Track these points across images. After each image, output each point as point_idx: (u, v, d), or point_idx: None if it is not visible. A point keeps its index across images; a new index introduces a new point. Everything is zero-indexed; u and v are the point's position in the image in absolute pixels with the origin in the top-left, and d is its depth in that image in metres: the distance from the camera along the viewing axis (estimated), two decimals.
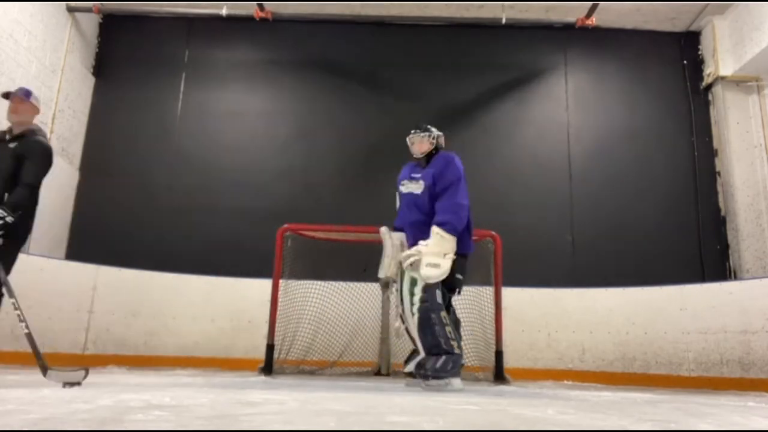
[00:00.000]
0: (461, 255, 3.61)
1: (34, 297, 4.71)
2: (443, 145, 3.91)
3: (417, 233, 3.60)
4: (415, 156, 3.85)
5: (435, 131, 3.86)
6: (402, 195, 3.83)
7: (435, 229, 3.47)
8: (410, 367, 3.50)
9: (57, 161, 6.09)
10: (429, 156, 3.82)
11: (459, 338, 3.62)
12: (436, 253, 3.42)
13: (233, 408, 1.82)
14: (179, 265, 5.61)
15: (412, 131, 3.86)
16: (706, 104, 6.64)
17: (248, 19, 6.51)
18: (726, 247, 6.22)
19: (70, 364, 4.72)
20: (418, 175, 3.76)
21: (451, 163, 3.69)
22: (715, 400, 3.21)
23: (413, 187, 3.74)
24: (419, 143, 3.83)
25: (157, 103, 6.71)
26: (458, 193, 3.59)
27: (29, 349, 2.72)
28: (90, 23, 6.69)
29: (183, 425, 1.40)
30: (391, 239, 3.66)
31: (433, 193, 3.64)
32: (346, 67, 6.85)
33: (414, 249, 3.46)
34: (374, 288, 5.31)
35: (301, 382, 3.62)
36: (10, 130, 3.31)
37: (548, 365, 5.26)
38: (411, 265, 3.41)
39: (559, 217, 6.34)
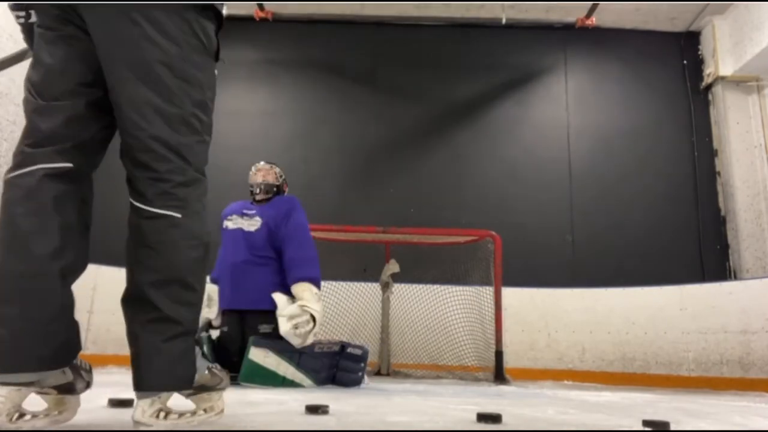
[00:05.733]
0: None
1: None
2: (285, 192, 3.60)
3: (239, 275, 3.21)
4: (256, 185, 3.45)
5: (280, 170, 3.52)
6: (227, 232, 3.35)
7: (307, 286, 3.05)
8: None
9: None
10: (268, 196, 3.44)
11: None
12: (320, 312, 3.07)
13: (233, 408, 1.81)
14: None
15: (261, 163, 3.59)
16: (706, 104, 6.63)
17: (248, 19, 6.50)
18: (726, 247, 6.22)
19: None
20: (253, 212, 3.34)
21: (298, 209, 3.31)
22: (715, 400, 3.21)
23: (244, 224, 3.30)
24: (265, 172, 3.48)
25: None
26: (311, 243, 3.24)
27: None
28: None
29: (183, 425, 1.40)
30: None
31: (273, 236, 3.22)
32: (346, 67, 6.85)
33: (303, 310, 2.98)
34: (374, 288, 5.32)
35: None
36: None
37: (548, 365, 5.26)
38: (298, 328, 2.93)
39: (559, 217, 6.34)
